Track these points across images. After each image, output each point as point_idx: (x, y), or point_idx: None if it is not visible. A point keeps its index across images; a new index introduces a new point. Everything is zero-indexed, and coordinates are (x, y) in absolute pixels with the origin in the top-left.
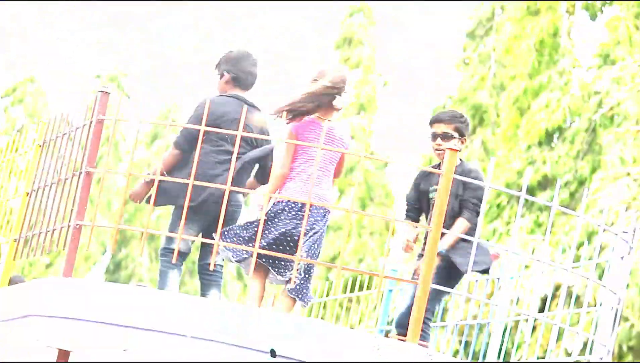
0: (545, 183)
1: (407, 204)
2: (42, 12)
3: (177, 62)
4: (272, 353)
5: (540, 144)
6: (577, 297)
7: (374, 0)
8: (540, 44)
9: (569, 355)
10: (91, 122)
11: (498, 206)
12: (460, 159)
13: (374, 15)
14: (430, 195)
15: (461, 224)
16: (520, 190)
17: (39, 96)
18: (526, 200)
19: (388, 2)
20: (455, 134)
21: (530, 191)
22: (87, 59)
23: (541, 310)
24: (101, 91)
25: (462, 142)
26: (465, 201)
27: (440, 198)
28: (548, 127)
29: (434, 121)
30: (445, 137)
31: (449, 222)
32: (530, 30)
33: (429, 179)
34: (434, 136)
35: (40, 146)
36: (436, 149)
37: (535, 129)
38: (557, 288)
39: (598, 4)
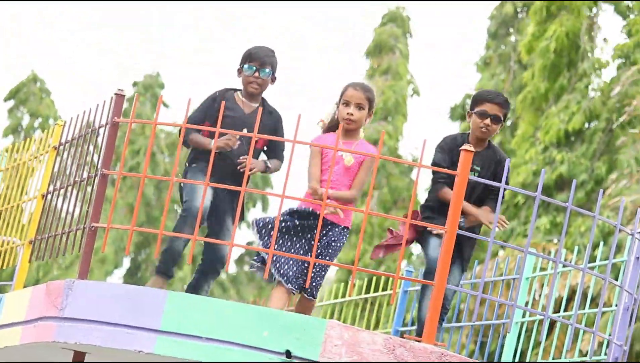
0: (562, 184)
1: (438, 170)
2: (42, 12)
3: (180, 62)
4: (288, 354)
5: (558, 145)
6: (593, 298)
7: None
8: (561, 45)
9: (585, 355)
10: (107, 124)
11: (515, 206)
12: (489, 142)
13: (409, 23)
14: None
15: (491, 208)
16: (537, 191)
17: (43, 96)
18: (542, 201)
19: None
20: (502, 120)
21: (547, 191)
22: (88, 60)
23: (557, 311)
24: (116, 93)
25: (501, 127)
26: (495, 191)
27: (456, 196)
28: (567, 127)
29: (488, 100)
30: (496, 120)
31: (477, 197)
32: (552, 31)
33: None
34: (484, 115)
35: (55, 148)
36: (482, 128)
37: (554, 131)
38: (572, 288)
39: (624, 3)
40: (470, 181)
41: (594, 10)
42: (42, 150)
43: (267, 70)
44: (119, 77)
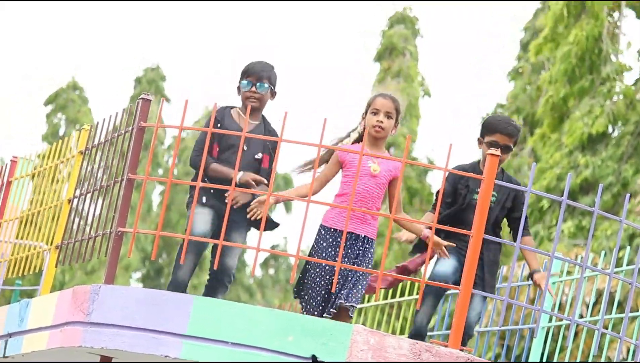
0: (588, 187)
1: (437, 197)
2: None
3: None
4: (314, 359)
5: (582, 149)
6: (620, 302)
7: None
8: (582, 49)
9: (610, 360)
10: (132, 129)
11: (540, 210)
12: (502, 169)
13: (418, 25)
14: (475, 196)
15: (531, 243)
16: (562, 195)
17: (81, 103)
18: (568, 205)
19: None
20: (512, 148)
21: (573, 195)
22: (123, 63)
23: (583, 315)
24: (142, 98)
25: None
26: (519, 219)
27: (482, 203)
28: (591, 131)
29: (499, 131)
30: (506, 150)
31: (489, 229)
32: (572, 35)
33: (476, 180)
34: (494, 145)
35: (82, 153)
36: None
37: (577, 134)
38: (599, 293)
39: None
40: (473, 201)
41: (616, 14)
42: (69, 155)
43: (265, 85)
44: (122, 75)
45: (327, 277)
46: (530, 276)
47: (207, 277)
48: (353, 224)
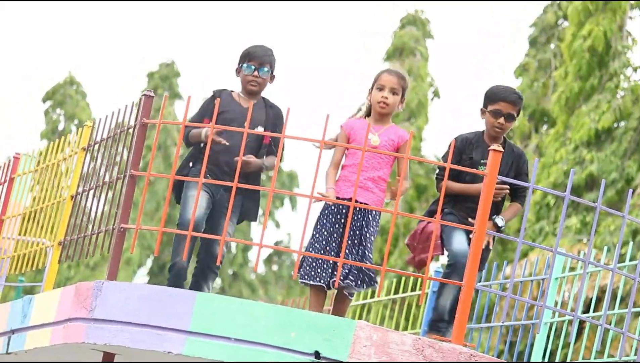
0: (592, 183)
1: (440, 169)
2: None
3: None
4: (317, 355)
5: (588, 144)
6: (623, 298)
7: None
8: (595, 45)
9: (613, 356)
10: (135, 125)
11: (546, 206)
12: (505, 138)
13: (429, 27)
14: (481, 168)
15: (517, 209)
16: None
17: (79, 98)
18: (572, 200)
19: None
20: (515, 117)
21: (577, 191)
22: (129, 58)
23: (586, 311)
24: (145, 95)
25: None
26: (519, 189)
27: (485, 198)
28: (598, 127)
29: (502, 99)
30: (510, 118)
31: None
32: (586, 31)
33: (480, 150)
34: (498, 114)
35: (84, 149)
36: (496, 127)
37: (585, 130)
38: (602, 288)
39: None
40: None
41: (629, 12)
42: (71, 151)
43: (266, 69)
44: (124, 70)
45: (324, 243)
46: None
47: (196, 263)
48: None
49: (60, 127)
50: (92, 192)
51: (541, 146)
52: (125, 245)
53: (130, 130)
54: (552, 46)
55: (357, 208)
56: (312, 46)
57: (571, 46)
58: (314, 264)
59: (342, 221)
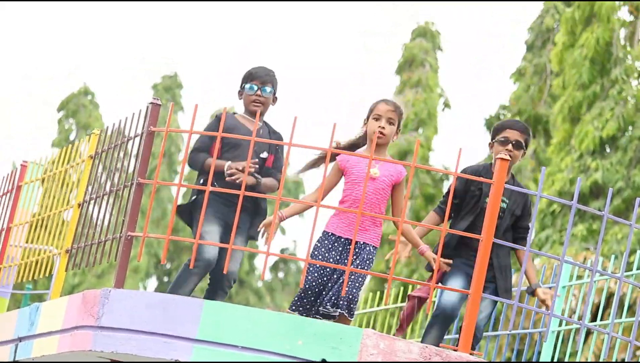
0: (598, 192)
1: (445, 197)
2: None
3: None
4: None
5: (593, 153)
6: (630, 306)
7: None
8: (594, 53)
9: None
10: (142, 133)
11: (552, 214)
12: (513, 175)
13: (440, 38)
14: (487, 200)
15: (529, 260)
16: (572, 199)
17: (92, 108)
18: (578, 209)
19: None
20: (524, 146)
21: (582, 199)
22: (137, 71)
23: (593, 319)
24: (152, 103)
25: (523, 154)
26: (523, 229)
27: (492, 206)
28: (602, 135)
29: (508, 127)
30: (518, 145)
31: (499, 236)
32: (584, 39)
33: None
34: (506, 142)
35: (92, 157)
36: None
37: (589, 138)
38: (609, 296)
39: None
40: (485, 203)
41: (629, 18)
42: (79, 159)
43: (269, 89)
44: (141, 82)
45: (316, 275)
46: (533, 291)
47: (208, 282)
48: (351, 231)
49: (72, 136)
50: (99, 200)
51: (538, 151)
52: (133, 253)
53: (137, 138)
54: (548, 50)
55: (350, 246)
56: (312, 46)
57: (563, 54)
58: (305, 301)
59: (337, 257)
